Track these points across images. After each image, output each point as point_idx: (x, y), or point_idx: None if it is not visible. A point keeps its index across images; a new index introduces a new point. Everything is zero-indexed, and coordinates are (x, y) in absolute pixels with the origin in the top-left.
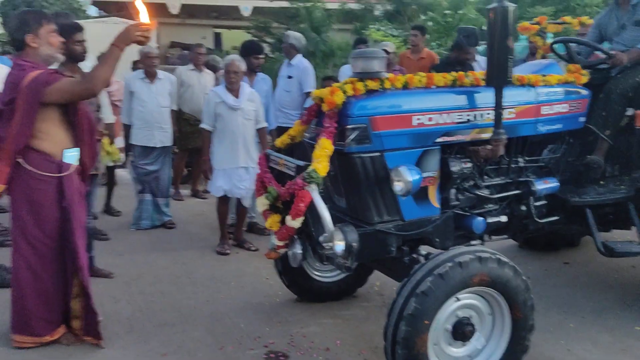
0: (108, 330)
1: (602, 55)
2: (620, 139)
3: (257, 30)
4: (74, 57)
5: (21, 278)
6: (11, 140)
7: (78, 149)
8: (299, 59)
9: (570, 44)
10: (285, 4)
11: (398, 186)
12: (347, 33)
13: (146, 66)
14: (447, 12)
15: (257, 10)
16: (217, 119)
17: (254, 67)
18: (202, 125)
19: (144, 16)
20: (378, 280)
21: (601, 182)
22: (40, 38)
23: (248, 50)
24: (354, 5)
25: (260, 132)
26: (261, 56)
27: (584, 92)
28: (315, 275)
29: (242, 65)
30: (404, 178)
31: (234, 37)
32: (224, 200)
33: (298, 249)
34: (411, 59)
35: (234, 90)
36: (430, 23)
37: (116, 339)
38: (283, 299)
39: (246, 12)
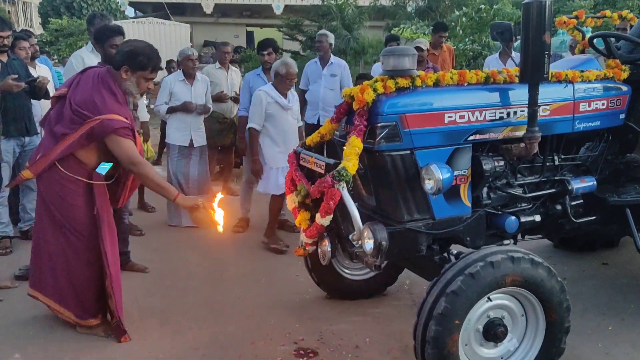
0: (143, 322)
1: None
2: None
3: (288, 29)
4: (110, 60)
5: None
6: (59, 151)
7: (111, 163)
8: (337, 58)
9: (610, 39)
10: (317, 2)
11: (429, 184)
12: (379, 30)
13: (186, 68)
14: (482, 7)
15: (288, 8)
16: (267, 118)
17: (267, 64)
18: (251, 125)
19: (219, 223)
20: (408, 279)
21: None
22: (134, 76)
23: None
24: (385, 2)
25: (299, 129)
26: (267, 51)
27: (624, 88)
28: (345, 273)
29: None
30: (435, 176)
31: (266, 35)
32: (280, 198)
33: (327, 247)
34: (434, 54)
35: (285, 91)
36: (464, 19)
37: (151, 331)
38: (313, 296)
39: (278, 10)
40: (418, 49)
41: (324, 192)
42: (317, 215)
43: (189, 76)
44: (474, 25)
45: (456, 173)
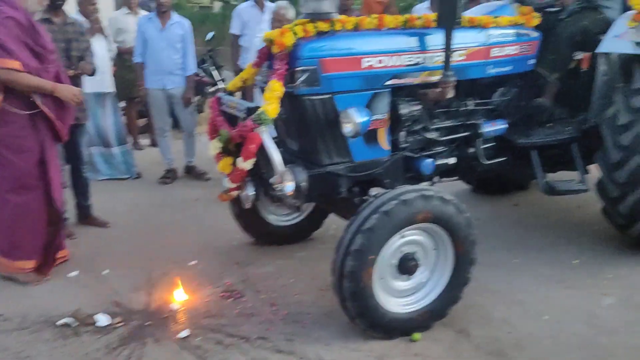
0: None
1: None
2: (570, 81)
3: None
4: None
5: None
6: None
7: None
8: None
9: None
10: None
11: (347, 128)
12: None
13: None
14: None
15: None
16: None
17: (163, 7)
18: None
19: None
20: (334, 223)
21: (549, 125)
22: None
23: None
24: None
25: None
26: None
27: (535, 34)
28: (271, 218)
29: (289, 12)
30: (353, 120)
31: None
32: None
33: (250, 191)
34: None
35: None
36: None
37: (72, 279)
38: (240, 242)
39: None
40: None
41: (245, 136)
42: (239, 160)
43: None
44: None
45: (374, 117)
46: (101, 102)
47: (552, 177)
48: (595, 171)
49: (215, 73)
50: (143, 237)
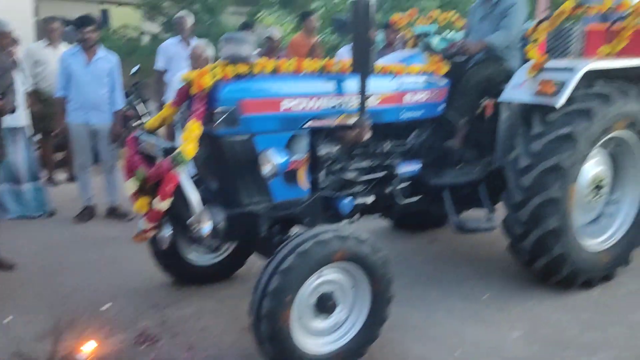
0: None
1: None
2: (476, 126)
3: (148, 8)
4: None
5: None
6: None
7: None
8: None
9: (433, 37)
10: None
11: (266, 169)
12: (242, 17)
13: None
14: (336, 0)
15: None
16: None
17: (89, 42)
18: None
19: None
20: (258, 261)
21: (458, 166)
22: None
23: (80, 23)
24: None
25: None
26: (88, 29)
27: (444, 82)
28: (192, 257)
29: (207, 51)
30: (272, 161)
31: (123, 14)
32: None
33: (167, 231)
34: (304, 44)
35: None
36: (322, 10)
37: None
38: (158, 282)
39: None
40: (270, 38)
41: (162, 176)
42: (156, 200)
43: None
44: (331, 16)
45: (294, 157)
46: (13, 137)
47: (464, 215)
48: (502, 209)
49: (140, 107)
50: (53, 280)
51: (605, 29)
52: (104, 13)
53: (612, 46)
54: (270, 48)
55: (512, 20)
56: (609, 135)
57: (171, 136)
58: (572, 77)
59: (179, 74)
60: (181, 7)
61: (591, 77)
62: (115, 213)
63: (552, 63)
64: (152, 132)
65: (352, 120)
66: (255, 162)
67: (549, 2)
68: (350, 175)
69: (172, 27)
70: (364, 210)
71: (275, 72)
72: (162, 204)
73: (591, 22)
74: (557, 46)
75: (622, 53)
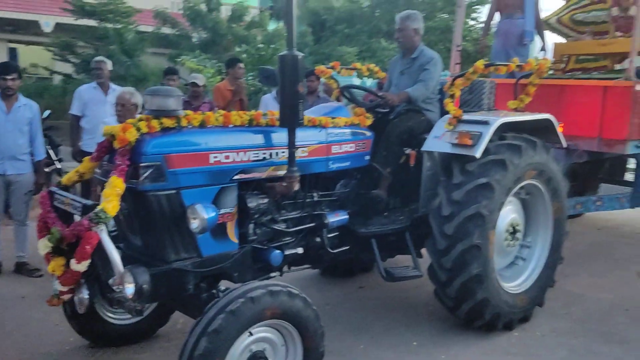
0: None
1: (376, 97)
2: (401, 175)
3: (59, 49)
4: None
5: None
6: None
7: None
8: (116, 86)
9: (354, 90)
10: (93, 23)
11: (194, 224)
12: (162, 58)
13: None
14: (260, 45)
15: (59, 27)
16: None
17: (10, 90)
18: None
19: None
20: (182, 317)
21: (385, 214)
22: None
23: (1, 70)
24: (168, 31)
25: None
26: (10, 77)
27: (368, 133)
28: (110, 318)
29: (135, 98)
30: (200, 216)
31: (33, 54)
32: None
33: (85, 294)
34: (230, 90)
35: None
36: (244, 55)
37: None
38: (74, 346)
39: (47, 27)
40: (194, 84)
41: (80, 235)
42: (73, 261)
43: None
44: (254, 61)
45: (222, 211)
46: None
47: (392, 261)
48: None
49: (51, 152)
50: None
51: (513, 84)
52: (13, 52)
53: (520, 101)
54: (194, 93)
55: (430, 74)
56: (521, 184)
57: (88, 192)
58: (487, 129)
59: (100, 125)
60: (95, 48)
61: (503, 129)
62: (24, 269)
63: (468, 116)
64: (69, 187)
65: (281, 172)
66: (182, 217)
67: (460, 57)
68: (279, 226)
69: (88, 70)
70: (294, 261)
71: (203, 125)
72: (80, 266)
73: (501, 77)
74: (471, 99)
75: (528, 107)
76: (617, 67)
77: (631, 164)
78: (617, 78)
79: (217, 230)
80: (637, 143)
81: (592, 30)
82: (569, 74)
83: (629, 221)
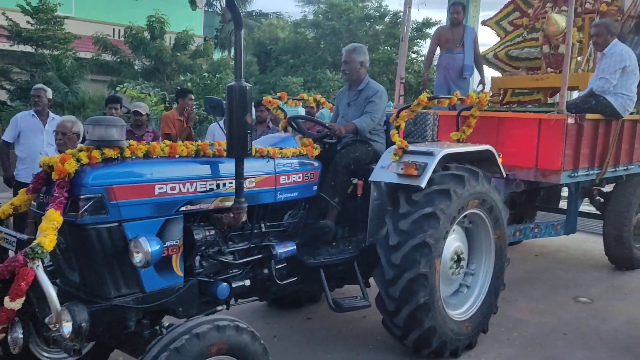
0: None
1: (324, 127)
2: (348, 205)
3: None
4: None
5: None
6: None
7: None
8: (54, 114)
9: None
10: (29, 49)
11: (137, 258)
12: (102, 85)
13: None
14: (205, 74)
15: None
16: None
17: None
18: None
19: None
20: (122, 354)
21: (333, 244)
22: None
23: None
24: (109, 58)
25: None
26: None
27: (316, 163)
28: (46, 358)
29: (76, 126)
30: (143, 249)
31: None
32: None
33: (19, 333)
34: (179, 119)
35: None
36: (189, 84)
37: None
38: None
39: None
40: (137, 113)
41: (15, 272)
42: (6, 299)
43: None
44: (199, 90)
45: (167, 244)
46: None
47: (340, 291)
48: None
49: None
50: None
51: (455, 116)
52: None
53: (462, 132)
54: (137, 122)
55: (376, 106)
56: (465, 213)
57: (23, 225)
58: (431, 160)
59: (37, 154)
60: (31, 74)
61: (447, 159)
62: None
63: (413, 147)
64: (3, 220)
65: (228, 203)
66: (124, 251)
67: (403, 89)
68: (226, 258)
69: (22, 97)
70: (241, 293)
71: (147, 155)
72: (14, 304)
73: (443, 109)
74: (415, 130)
75: (469, 139)
76: (550, 100)
77: (565, 192)
78: (550, 111)
79: (162, 263)
80: (570, 173)
81: (526, 66)
82: (506, 106)
83: (563, 247)
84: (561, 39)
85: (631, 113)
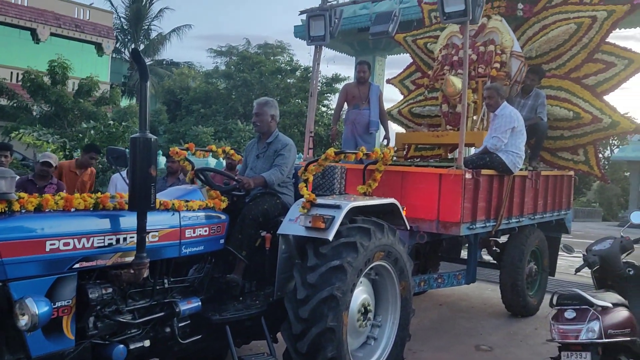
0: None
1: (232, 180)
2: (256, 258)
3: None
4: None
5: None
6: None
7: None
8: None
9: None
10: None
11: (23, 321)
12: None
13: None
14: (111, 122)
15: None
16: None
17: None
18: None
19: None
20: None
21: (240, 299)
22: None
23: None
24: (4, 102)
25: None
26: None
27: (223, 216)
28: None
29: None
30: (30, 311)
31: None
32: None
33: None
34: (76, 173)
35: None
36: (92, 132)
37: None
38: None
39: None
40: (46, 164)
41: None
42: None
43: None
44: (103, 138)
45: (57, 304)
46: None
47: (245, 348)
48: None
49: None
50: None
51: (361, 170)
52: None
53: (368, 186)
54: (43, 173)
55: (285, 159)
56: (371, 265)
57: None
58: (339, 213)
59: None
60: None
61: (353, 212)
62: None
63: (321, 200)
64: None
65: (128, 259)
66: (8, 314)
67: (312, 142)
68: (124, 318)
69: None
70: (140, 355)
71: (39, 209)
72: None
73: (350, 163)
74: (323, 184)
75: (375, 192)
76: (450, 155)
77: (466, 243)
78: (450, 166)
79: (51, 326)
80: (469, 225)
81: (427, 123)
82: (410, 160)
83: (465, 296)
84: (458, 99)
85: (520, 169)
